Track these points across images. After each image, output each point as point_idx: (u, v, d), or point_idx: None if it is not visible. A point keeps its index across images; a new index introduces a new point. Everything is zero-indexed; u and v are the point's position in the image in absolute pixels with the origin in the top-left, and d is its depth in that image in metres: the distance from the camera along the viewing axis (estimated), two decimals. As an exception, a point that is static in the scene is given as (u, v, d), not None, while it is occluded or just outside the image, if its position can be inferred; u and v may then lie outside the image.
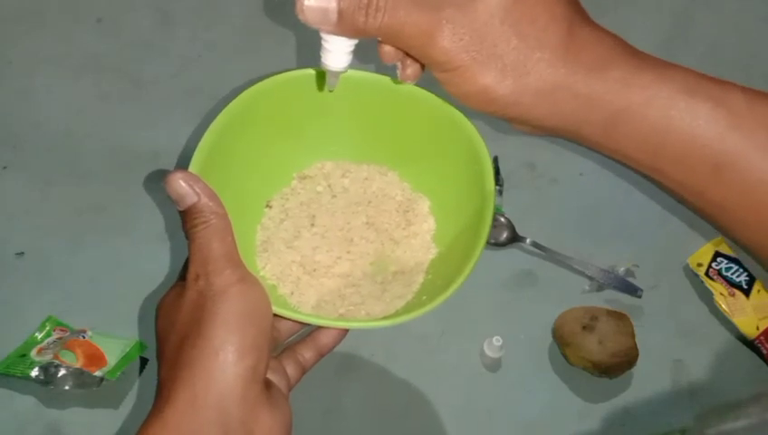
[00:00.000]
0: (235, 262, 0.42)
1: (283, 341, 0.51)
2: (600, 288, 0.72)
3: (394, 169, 0.57)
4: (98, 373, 0.64)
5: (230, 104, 0.50)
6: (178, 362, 0.41)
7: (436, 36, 0.39)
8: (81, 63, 0.84)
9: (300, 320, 0.47)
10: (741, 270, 0.71)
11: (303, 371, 0.50)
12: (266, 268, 0.52)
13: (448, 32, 0.39)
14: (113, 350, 0.65)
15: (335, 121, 0.55)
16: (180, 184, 0.42)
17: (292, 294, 0.52)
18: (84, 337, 0.65)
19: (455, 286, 0.46)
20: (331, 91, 0.51)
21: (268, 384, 0.44)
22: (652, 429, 0.65)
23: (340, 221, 0.55)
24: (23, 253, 0.72)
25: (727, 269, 0.71)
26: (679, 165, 0.41)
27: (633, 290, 0.71)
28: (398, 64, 0.45)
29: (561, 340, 0.67)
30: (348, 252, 0.54)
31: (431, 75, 0.43)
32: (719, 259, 0.71)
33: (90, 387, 0.64)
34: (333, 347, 0.52)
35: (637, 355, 0.66)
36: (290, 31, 0.87)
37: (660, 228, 0.76)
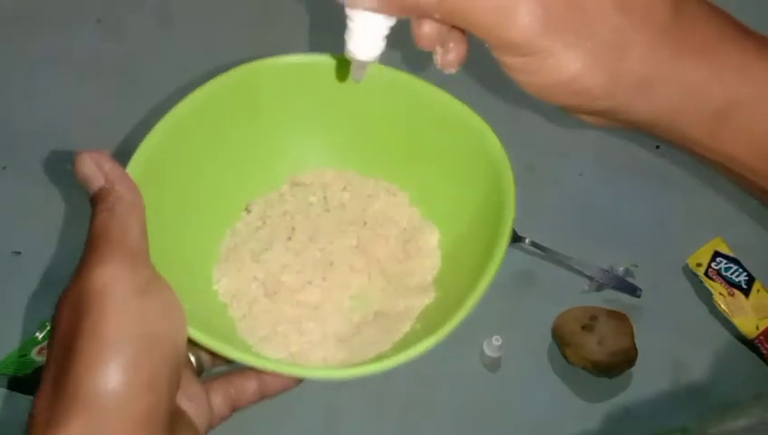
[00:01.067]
0: (136, 260, 0.33)
1: (220, 365, 0.40)
2: (600, 288, 0.72)
3: (405, 189, 0.47)
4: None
5: (219, 77, 0.43)
6: (55, 391, 0.30)
7: (517, 11, 0.31)
8: (81, 64, 0.84)
9: (221, 354, 0.36)
10: (740, 270, 0.71)
11: (234, 409, 0.39)
12: (222, 282, 0.43)
13: (533, 5, 0.31)
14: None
15: (344, 123, 0.46)
16: (88, 165, 0.35)
17: (243, 317, 0.42)
18: (84, 337, 0.65)
19: (434, 339, 0.38)
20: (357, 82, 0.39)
21: (177, 428, 0.33)
22: (652, 429, 0.65)
23: (323, 240, 0.45)
24: (23, 253, 0.72)
25: (727, 269, 0.71)
26: None
27: (633, 290, 0.71)
28: (437, 48, 0.36)
29: (560, 340, 0.67)
30: (323, 278, 0.44)
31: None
32: (719, 259, 0.71)
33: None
34: (281, 391, 0.40)
35: (636, 355, 0.66)
36: (291, 31, 0.87)
37: (660, 228, 0.76)
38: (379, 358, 0.38)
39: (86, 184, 0.35)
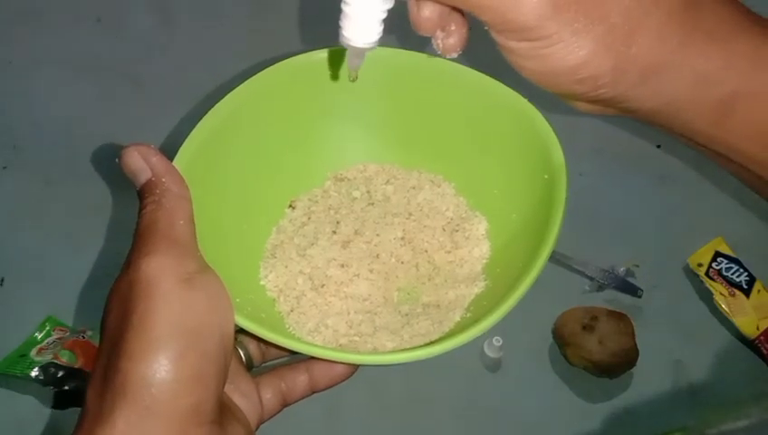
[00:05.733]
0: (184, 251, 0.32)
1: (270, 360, 0.41)
2: (601, 288, 0.72)
3: (450, 179, 0.46)
4: (98, 373, 0.64)
5: (255, 77, 0.42)
6: (104, 384, 0.31)
7: None
8: (81, 63, 0.84)
9: (267, 339, 0.35)
10: (741, 270, 0.71)
11: (285, 404, 0.39)
12: (269, 277, 0.43)
13: None
14: (113, 350, 0.65)
15: (385, 116, 0.45)
16: (135, 158, 0.35)
17: (291, 311, 0.42)
18: (84, 337, 0.65)
19: (484, 325, 0.38)
20: (352, 80, 0.38)
21: (226, 419, 0.34)
22: (652, 429, 0.65)
23: (369, 232, 0.44)
24: (23, 253, 0.72)
25: (727, 269, 0.71)
26: None
27: (633, 290, 0.71)
28: (438, 32, 0.34)
29: (561, 340, 0.67)
30: (370, 271, 0.43)
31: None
32: (719, 259, 0.71)
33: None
34: (331, 385, 0.40)
35: (637, 355, 0.66)
36: (292, 31, 0.87)
37: (660, 228, 0.76)
38: (429, 344, 0.37)
39: (133, 177, 0.35)
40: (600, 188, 0.78)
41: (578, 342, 0.66)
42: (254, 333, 0.35)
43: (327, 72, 0.43)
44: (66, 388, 0.63)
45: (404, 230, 0.45)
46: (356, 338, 0.41)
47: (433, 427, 0.66)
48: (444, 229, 0.45)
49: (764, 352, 0.68)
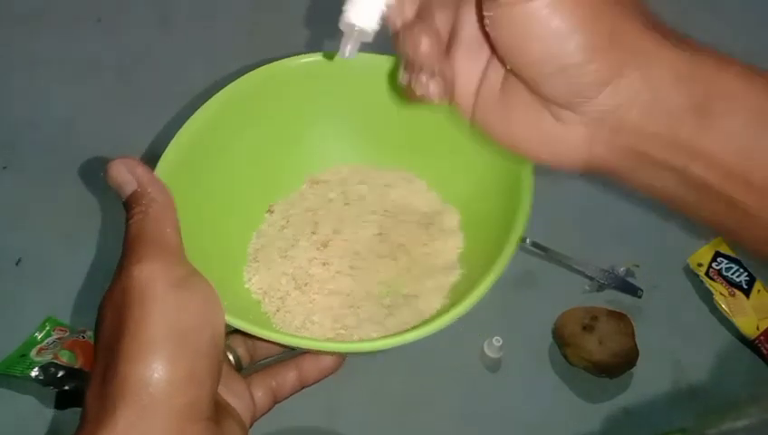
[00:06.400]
0: (172, 257, 0.34)
1: (258, 360, 0.42)
2: (601, 288, 0.72)
3: (422, 176, 0.48)
4: (98, 373, 0.64)
5: (227, 87, 0.43)
6: (103, 387, 0.32)
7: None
8: (81, 63, 0.84)
9: (257, 335, 0.37)
10: (741, 270, 0.71)
11: (276, 400, 0.40)
12: (253, 280, 0.44)
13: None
14: (113, 350, 0.65)
15: (355, 119, 0.47)
16: (121, 171, 0.36)
17: (277, 311, 0.44)
18: (84, 337, 0.65)
19: (460, 309, 0.39)
20: (344, 58, 0.36)
21: (222, 416, 0.35)
22: (652, 429, 0.65)
23: (347, 230, 0.46)
24: (22, 253, 0.72)
25: (727, 269, 0.71)
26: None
27: (633, 290, 0.71)
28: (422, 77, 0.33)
29: (561, 340, 0.67)
30: (351, 267, 0.45)
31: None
32: (719, 259, 0.71)
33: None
34: (320, 378, 0.41)
35: (637, 355, 0.66)
36: (291, 30, 0.87)
37: (660, 228, 0.75)
38: (410, 329, 0.39)
39: (119, 189, 0.36)
40: (600, 188, 0.78)
41: (578, 342, 0.66)
42: (244, 330, 0.36)
43: (301, 79, 0.45)
44: (67, 388, 0.63)
45: (380, 226, 0.46)
46: (342, 331, 0.42)
47: (433, 427, 0.66)
48: (418, 223, 0.46)
49: (764, 352, 0.68)
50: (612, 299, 0.72)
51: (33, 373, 0.63)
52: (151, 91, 0.83)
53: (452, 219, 0.46)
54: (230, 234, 0.43)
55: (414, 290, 0.44)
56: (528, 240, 0.72)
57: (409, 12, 0.33)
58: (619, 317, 0.67)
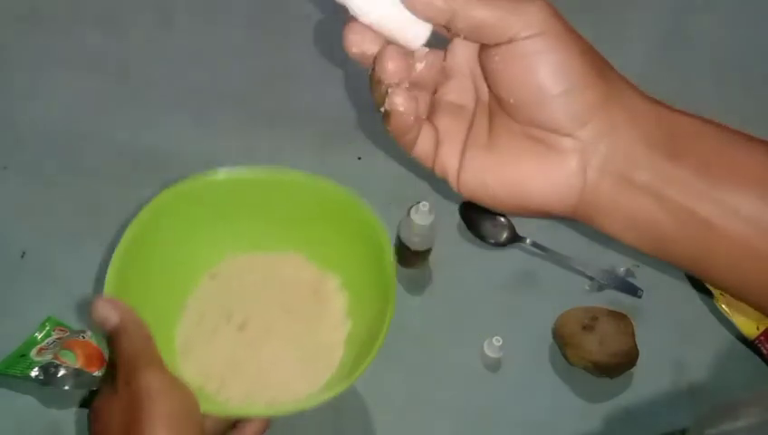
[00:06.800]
0: (162, 367, 0.45)
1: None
2: (601, 288, 0.72)
3: (301, 252, 0.59)
4: (98, 373, 0.64)
5: (137, 216, 0.53)
6: None
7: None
8: (81, 63, 0.84)
9: (229, 414, 0.49)
10: (741, 270, 0.71)
11: None
12: (190, 370, 0.53)
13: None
14: (113, 350, 0.65)
15: (241, 218, 0.57)
16: (104, 308, 0.46)
17: (218, 390, 0.53)
18: (84, 337, 0.65)
19: (373, 353, 0.49)
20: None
21: None
22: (652, 429, 0.65)
23: (257, 313, 0.57)
24: (23, 253, 0.72)
25: (727, 269, 0.71)
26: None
27: (633, 290, 0.71)
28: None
29: (561, 340, 0.67)
30: (268, 340, 0.56)
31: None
32: (719, 259, 0.71)
33: (89, 387, 0.64)
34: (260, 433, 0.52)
35: (637, 355, 0.66)
36: (291, 30, 0.87)
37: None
38: (338, 379, 0.53)
39: (105, 323, 0.46)
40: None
41: (578, 342, 0.66)
42: (215, 413, 0.48)
43: (197, 198, 0.55)
44: (66, 388, 0.63)
45: (281, 301, 0.57)
46: (276, 394, 0.53)
47: (433, 427, 0.66)
48: (308, 291, 0.58)
49: (764, 352, 0.68)
50: (612, 299, 0.72)
51: (33, 373, 0.63)
52: (151, 90, 0.83)
53: (333, 282, 0.58)
54: (162, 334, 0.49)
55: (318, 345, 0.56)
56: (528, 240, 0.72)
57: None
58: (619, 317, 0.67)
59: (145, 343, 0.45)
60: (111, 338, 0.45)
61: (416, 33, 0.34)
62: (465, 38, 0.33)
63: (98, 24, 0.88)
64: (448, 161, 0.36)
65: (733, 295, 0.36)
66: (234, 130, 0.80)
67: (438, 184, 0.73)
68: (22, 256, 0.72)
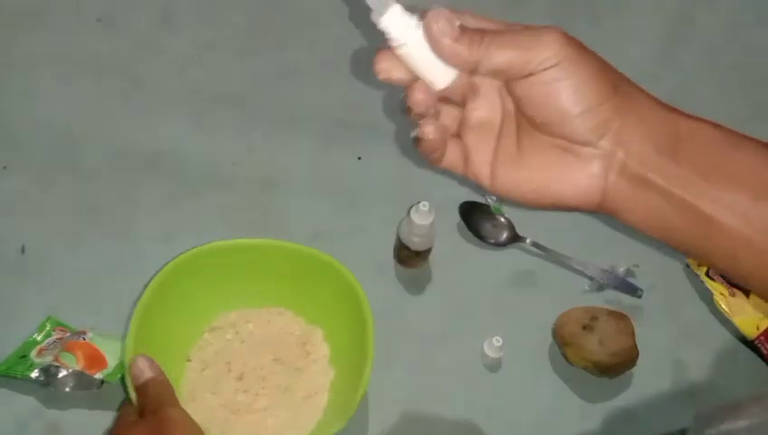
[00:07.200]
0: (182, 407, 0.58)
1: None
2: (601, 288, 0.72)
3: (289, 308, 0.68)
4: (98, 375, 0.64)
5: (148, 286, 0.63)
6: None
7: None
8: (81, 63, 0.84)
9: None
10: (741, 270, 0.71)
11: None
12: (195, 416, 0.58)
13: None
14: (113, 351, 0.65)
15: (234, 279, 0.67)
16: (142, 363, 0.59)
17: (222, 434, 0.62)
18: (84, 339, 0.65)
19: (355, 404, 0.58)
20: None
21: None
22: (652, 429, 0.65)
23: (252, 363, 0.66)
24: (23, 253, 0.72)
25: (727, 269, 0.71)
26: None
27: (633, 290, 0.71)
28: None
29: (561, 340, 0.67)
30: (263, 388, 0.65)
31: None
32: (719, 259, 0.71)
33: (90, 389, 0.63)
34: None
35: (637, 355, 0.66)
36: (291, 30, 0.87)
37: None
38: (325, 424, 0.62)
39: (140, 375, 0.59)
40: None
41: (578, 342, 0.66)
42: None
43: (200, 260, 0.65)
44: (67, 390, 0.63)
45: (273, 353, 0.66)
46: (273, 430, 0.63)
47: (433, 427, 0.66)
48: (297, 344, 0.67)
49: (764, 352, 0.68)
50: (612, 299, 0.72)
51: (34, 375, 0.63)
52: (151, 90, 0.83)
53: (318, 334, 0.67)
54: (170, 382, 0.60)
55: (307, 392, 0.64)
56: (528, 240, 0.72)
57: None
58: (619, 317, 0.67)
59: (168, 390, 0.58)
60: (143, 386, 0.58)
61: (443, 76, 0.38)
62: (491, 78, 0.38)
63: (97, 23, 0.88)
64: (480, 171, 0.41)
65: (734, 280, 0.42)
66: (234, 130, 0.80)
67: (438, 184, 0.73)
68: (22, 255, 0.72)
